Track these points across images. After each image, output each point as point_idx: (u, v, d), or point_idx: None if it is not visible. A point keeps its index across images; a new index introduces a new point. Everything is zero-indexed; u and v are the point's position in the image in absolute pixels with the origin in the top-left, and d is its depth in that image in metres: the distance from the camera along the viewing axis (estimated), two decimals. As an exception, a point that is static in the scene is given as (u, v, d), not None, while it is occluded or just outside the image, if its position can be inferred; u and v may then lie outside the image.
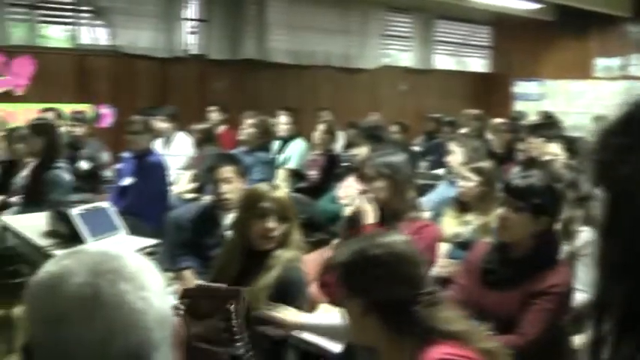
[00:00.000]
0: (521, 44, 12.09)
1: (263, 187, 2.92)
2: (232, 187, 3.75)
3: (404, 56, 11.98)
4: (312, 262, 4.34)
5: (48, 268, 1.03)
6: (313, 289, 3.81)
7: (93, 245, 1.00)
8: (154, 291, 1.02)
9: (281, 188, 2.94)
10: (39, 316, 1.00)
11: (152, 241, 3.75)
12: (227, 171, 3.80)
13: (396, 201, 3.19)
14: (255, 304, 2.57)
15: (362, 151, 4.35)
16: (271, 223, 2.75)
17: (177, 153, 6.77)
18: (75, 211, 3.61)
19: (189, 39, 9.13)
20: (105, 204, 3.90)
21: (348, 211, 4.21)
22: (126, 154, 7.11)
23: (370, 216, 3.14)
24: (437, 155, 7.40)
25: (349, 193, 4.34)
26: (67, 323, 0.96)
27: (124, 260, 1.04)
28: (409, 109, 11.09)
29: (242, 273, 2.74)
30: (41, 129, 5.12)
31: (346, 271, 1.86)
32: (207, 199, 5.63)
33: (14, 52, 7.68)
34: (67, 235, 3.74)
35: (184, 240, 3.76)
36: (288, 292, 2.74)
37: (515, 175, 3.20)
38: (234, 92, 9.15)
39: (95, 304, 0.96)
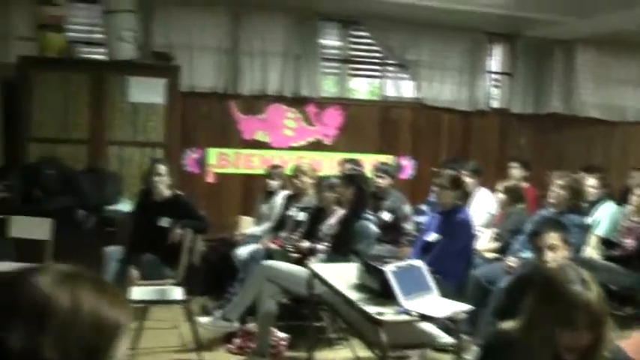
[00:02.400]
0: None
1: (575, 290, 2.19)
2: (557, 256, 3.45)
3: None
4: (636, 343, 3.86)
5: None
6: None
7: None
8: None
9: (593, 286, 2.22)
10: None
11: (465, 307, 3.54)
12: (553, 237, 3.51)
13: None
14: None
15: None
16: (583, 339, 2.19)
17: (478, 209, 6.56)
18: (389, 268, 3.53)
19: (491, 92, 8.95)
20: (418, 262, 3.77)
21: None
22: (424, 207, 7.08)
23: None
24: None
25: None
26: None
27: None
28: None
29: None
30: (353, 179, 5.20)
31: None
32: (511, 260, 5.37)
33: (325, 104, 8.08)
34: (377, 291, 3.66)
35: (499, 308, 3.51)
36: None
37: None
38: (536, 148, 8.79)
39: None
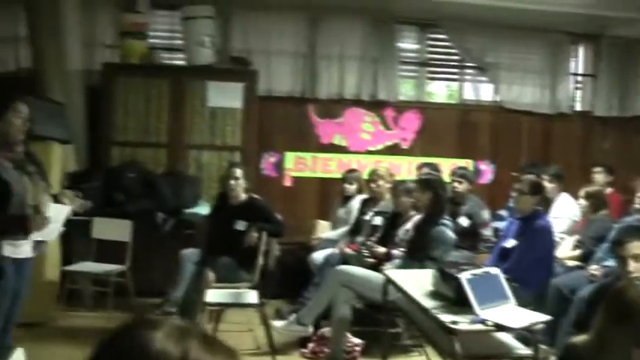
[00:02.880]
0: None
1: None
2: (642, 266, 3.30)
3: None
4: None
5: None
6: None
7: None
8: None
9: None
10: None
11: (543, 317, 3.43)
12: (637, 247, 3.37)
13: None
14: None
15: None
16: None
17: (560, 215, 6.37)
18: (464, 276, 3.45)
19: (574, 95, 8.69)
20: (495, 270, 3.68)
21: None
22: (503, 212, 6.93)
23: None
24: None
25: None
26: None
27: None
28: None
29: None
30: (429, 184, 5.13)
31: None
32: (594, 268, 5.18)
33: (403, 108, 8.01)
34: (452, 299, 3.59)
35: (579, 319, 3.39)
36: None
37: None
38: (621, 152, 8.46)
39: None
